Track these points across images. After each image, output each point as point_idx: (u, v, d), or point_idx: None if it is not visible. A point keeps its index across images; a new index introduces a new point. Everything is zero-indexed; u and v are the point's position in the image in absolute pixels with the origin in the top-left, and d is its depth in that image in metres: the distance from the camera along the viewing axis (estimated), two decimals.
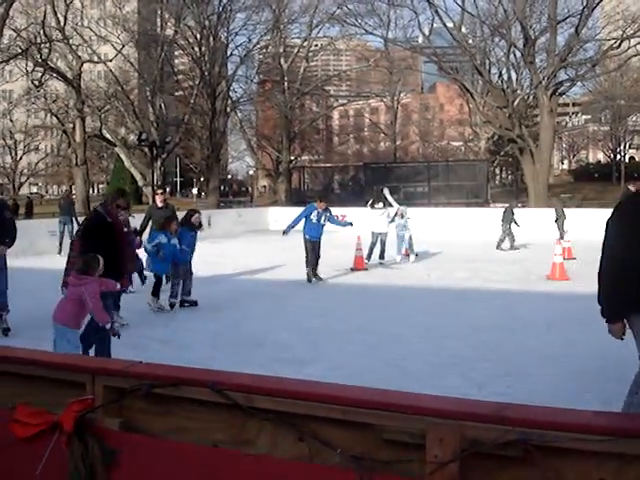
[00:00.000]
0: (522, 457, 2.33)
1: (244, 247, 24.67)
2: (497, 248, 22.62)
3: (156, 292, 12.24)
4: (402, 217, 19.13)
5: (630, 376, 7.81)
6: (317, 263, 15.73)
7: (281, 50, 52.16)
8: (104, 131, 49.39)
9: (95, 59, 48.13)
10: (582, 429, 2.28)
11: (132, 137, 52.01)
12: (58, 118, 49.84)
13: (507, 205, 24.59)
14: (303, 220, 15.74)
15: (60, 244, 22.36)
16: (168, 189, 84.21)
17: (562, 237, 21.60)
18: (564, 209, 24.07)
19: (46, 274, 17.88)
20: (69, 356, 3.46)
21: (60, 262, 20.36)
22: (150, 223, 14.35)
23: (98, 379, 3.05)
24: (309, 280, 15.50)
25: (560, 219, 23.25)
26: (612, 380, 7.76)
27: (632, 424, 2.34)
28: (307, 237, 15.59)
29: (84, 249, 8.14)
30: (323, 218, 15.65)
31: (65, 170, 70.88)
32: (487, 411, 2.47)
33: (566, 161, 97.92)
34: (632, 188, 22.71)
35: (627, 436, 2.22)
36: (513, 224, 22.94)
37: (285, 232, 15.80)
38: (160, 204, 14.75)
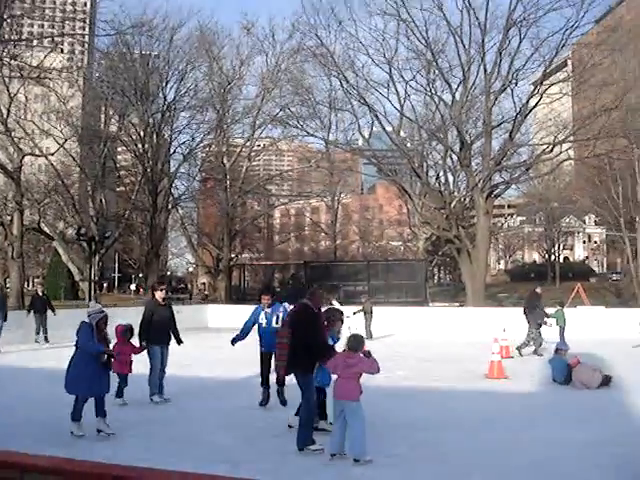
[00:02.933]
0: None
1: (183, 345, 24.23)
2: (517, 349, 20.26)
3: None
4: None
5: (567, 473, 7.84)
6: (281, 383, 11.73)
7: (224, 149, 52.80)
8: (42, 224, 48.82)
9: (37, 152, 48.03)
10: None
11: (71, 231, 51.54)
12: None
13: (531, 295, 22.21)
14: (255, 327, 12.36)
15: None
16: (105, 284, 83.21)
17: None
18: None
19: None
20: None
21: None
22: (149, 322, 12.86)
23: (27, 477, 2.94)
24: (261, 403, 12.15)
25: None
26: (551, 477, 7.76)
27: None
28: (261, 348, 12.18)
29: (298, 335, 9.17)
30: (275, 319, 12.10)
31: (0, 263, 69.51)
32: None
33: (502, 261, 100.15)
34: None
35: None
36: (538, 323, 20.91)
37: (233, 342, 12.45)
38: (161, 301, 13.16)
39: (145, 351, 12.55)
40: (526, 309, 21.85)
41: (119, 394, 12.21)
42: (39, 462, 3.10)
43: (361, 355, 8.59)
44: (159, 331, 12.71)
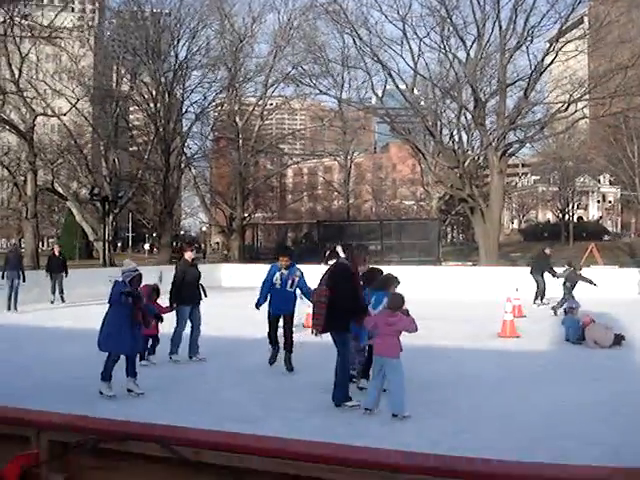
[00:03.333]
0: None
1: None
2: (552, 309, 20.11)
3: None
4: None
5: (584, 432, 7.90)
6: (289, 349, 11.76)
7: (236, 108, 52.53)
8: (56, 185, 48.93)
9: (49, 112, 47.92)
10: None
11: (84, 191, 51.58)
12: (9, 170, 49.32)
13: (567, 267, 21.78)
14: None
15: (9, 299, 22.01)
16: (119, 244, 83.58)
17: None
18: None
19: None
20: (13, 410, 3.37)
21: (11, 318, 20.20)
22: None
23: (43, 433, 2.98)
24: (270, 361, 12.07)
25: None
26: (564, 435, 7.82)
27: (581, 475, 2.35)
28: (269, 309, 11.88)
29: (337, 294, 9.24)
30: (290, 283, 11.78)
31: (15, 223, 69.84)
32: (437, 464, 2.46)
33: (516, 220, 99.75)
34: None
35: None
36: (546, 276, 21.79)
37: (257, 306, 12.11)
38: (191, 261, 13.46)
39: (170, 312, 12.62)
40: (533, 269, 22.05)
41: (146, 355, 12.31)
42: (55, 419, 3.14)
43: (401, 314, 8.83)
44: (190, 291, 12.88)
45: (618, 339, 14.26)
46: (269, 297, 11.85)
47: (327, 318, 9.21)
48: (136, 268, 10.31)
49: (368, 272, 10.49)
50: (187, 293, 12.80)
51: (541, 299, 22.19)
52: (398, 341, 8.73)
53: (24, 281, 22.37)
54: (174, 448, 2.69)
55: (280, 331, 11.84)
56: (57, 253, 25.09)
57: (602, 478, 2.30)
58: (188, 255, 13.49)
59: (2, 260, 23.43)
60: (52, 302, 23.74)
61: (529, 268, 23.13)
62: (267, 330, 11.97)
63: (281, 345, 11.86)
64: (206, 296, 13.25)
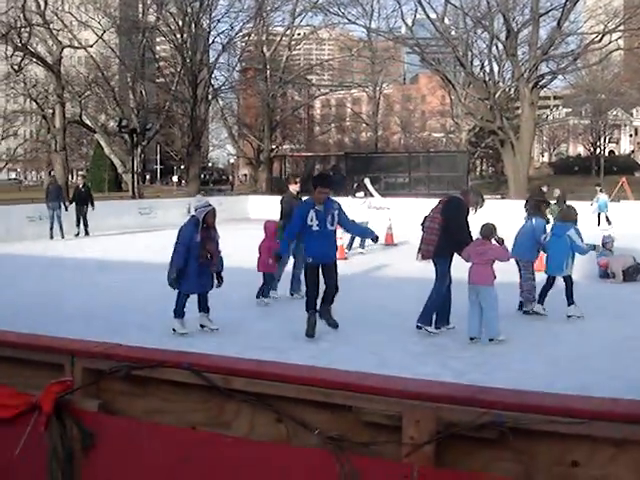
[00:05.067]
0: (497, 439, 2.36)
1: (224, 235, 24.46)
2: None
3: None
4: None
5: (604, 366, 7.94)
6: (330, 300, 9.45)
7: (263, 38, 51.90)
8: (84, 117, 48.93)
9: (75, 44, 47.60)
10: (555, 412, 2.32)
11: (112, 124, 51.52)
12: (37, 103, 49.32)
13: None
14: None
15: (51, 229, 22.93)
16: (148, 176, 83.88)
17: None
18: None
19: (26, 259, 17.88)
20: (48, 338, 3.46)
21: (52, 247, 20.63)
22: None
23: (77, 361, 3.06)
24: (308, 333, 9.37)
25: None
26: (587, 369, 7.87)
27: (602, 407, 2.38)
28: (309, 259, 9.40)
29: (449, 225, 9.35)
30: (330, 219, 9.40)
31: (44, 156, 70.05)
32: (463, 394, 2.50)
33: (546, 154, 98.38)
34: (544, 189, 23.17)
35: (599, 419, 2.26)
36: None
37: (279, 255, 10.44)
38: (296, 194, 12.78)
39: None
40: (526, 204, 22.20)
41: (265, 293, 11.91)
42: (89, 347, 3.22)
43: (493, 242, 9.17)
44: None
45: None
46: (304, 243, 9.64)
47: (437, 246, 9.39)
48: (209, 203, 9.95)
49: (535, 203, 11.35)
50: None
51: None
52: (491, 270, 8.98)
53: (66, 210, 23.32)
54: (205, 375, 2.75)
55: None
56: (81, 185, 25.22)
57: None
58: (293, 188, 12.94)
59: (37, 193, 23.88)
60: (77, 235, 23.87)
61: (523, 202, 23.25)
62: (305, 288, 9.65)
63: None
64: None
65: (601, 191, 27.19)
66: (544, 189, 23.49)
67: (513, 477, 2.36)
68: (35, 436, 2.91)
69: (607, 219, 24.56)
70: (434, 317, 9.54)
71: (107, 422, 2.92)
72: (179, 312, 9.61)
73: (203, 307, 9.78)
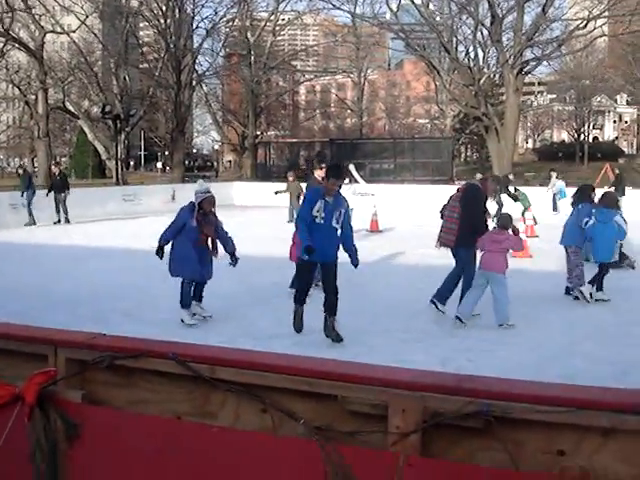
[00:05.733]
0: (483, 428, 2.36)
1: None
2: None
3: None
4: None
5: (593, 352, 7.99)
6: (332, 310, 8.41)
7: (248, 23, 51.64)
8: (67, 103, 48.61)
9: (58, 30, 47.20)
10: (541, 401, 2.32)
11: (96, 110, 51.25)
12: (20, 89, 48.96)
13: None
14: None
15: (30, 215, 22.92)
16: (132, 163, 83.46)
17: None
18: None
19: (9, 246, 17.76)
20: (31, 328, 3.43)
21: (36, 234, 20.62)
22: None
23: (60, 351, 3.03)
24: (295, 327, 8.71)
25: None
26: (574, 355, 7.91)
27: (589, 395, 2.38)
28: (303, 255, 8.22)
29: (467, 213, 9.56)
30: (337, 216, 8.36)
31: (27, 142, 69.55)
32: (449, 383, 2.50)
33: (531, 140, 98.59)
34: (510, 177, 24.04)
35: (585, 407, 2.26)
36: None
37: (308, 252, 8.04)
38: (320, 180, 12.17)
39: None
40: (575, 193, 22.40)
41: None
42: (73, 337, 3.19)
43: (510, 232, 9.42)
44: None
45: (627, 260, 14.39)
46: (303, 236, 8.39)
47: (458, 236, 9.58)
48: (208, 189, 9.84)
49: (580, 189, 11.64)
50: None
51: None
52: (505, 258, 9.28)
53: (33, 194, 23.08)
54: (190, 365, 2.74)
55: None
56: (57, 173, 24.67)
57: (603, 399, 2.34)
58: (318, 174, 12.37)
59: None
60: (57, 222, 23.52)
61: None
62: (296, 283, 9.22)
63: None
64: None
65: (557, 177, 28.08)
66: (510, 177, 24.75)
67: (499, 466, 2.36)
68: (19, 427, 2.89)
69: (555, 206, 25.06)
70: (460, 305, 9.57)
71: (91, 413, 2.90)
72: (186, 302, 9.50)
73: (197, 295, 9.70)
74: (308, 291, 8.80)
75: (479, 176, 10.78)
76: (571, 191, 21.91)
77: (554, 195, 24.87)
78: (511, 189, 22.03)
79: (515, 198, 21.79)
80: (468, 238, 9.45)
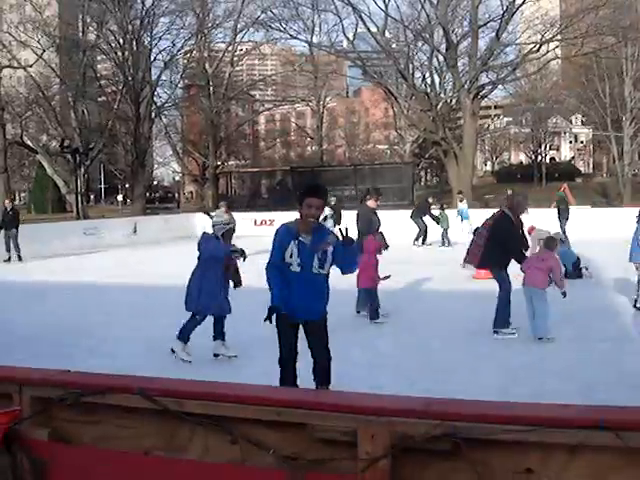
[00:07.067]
0: (451, 450, 2.38)
1: (170, 253, 24.35)
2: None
3: None
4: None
5: (557, 369, 8.07)
6: (326, 378, 6.10)
7: (206, 55, 51.81)
8: (25, 138, 48.26)
9: (15, 64, 46.96)
10: (508, 420, 2.35)
11: (54, 144, 50.92)
12: None
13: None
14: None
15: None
16: (92, 196, 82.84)
17: None
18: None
19: None
20: None
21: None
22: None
23: (25, 389, 3.00)
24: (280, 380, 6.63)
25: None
26: (540, 374, 7.97)
27: (554, 414, 2.42)
28: (277, 310, 6.12)
29: (495, 240, 10.03)
30: (320, 257, 6.16)
31: None
32: (416, 406, 2.52)
33: (489, 163, 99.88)
34: (430, 200, 27.53)
35: (550, 425, 2.30)
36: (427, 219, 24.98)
37: (270, 315, 6.11)
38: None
39: None
40: (413, 214, 25.41)
41: (373, 315, 11.15)
42: (37, 375, 3.16)
43: (554, 254, 10.09)
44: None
45: (580, 270, 15.58)
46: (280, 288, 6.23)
47: (485, 255, 10.22)
48: (229, 221, 9.50)
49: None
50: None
51: (423, 240, 24.88)
52: (546, 276, 9.65)
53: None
54: (157, 399, 2.72)
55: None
56: (8, 208, 23.41)
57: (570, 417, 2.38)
58: (371, 203, 12.56)
59: None
60: (7, 260, 22.51)
61: (410, 212, 25.98)
62: (279, 351, 6.31)
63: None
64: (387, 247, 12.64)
65: (461, 200, 29.61)
66: (429, 200, 27.46)
67: None
68: None
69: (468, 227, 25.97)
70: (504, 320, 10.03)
71: (58, 450, 2.87)
72: (187, 336, 8.83)
73: (218, 333, 8.99)
74: (294, 358, 6.28)
75: (510, 192, 11.45)
76: (476, 213, 23.76)
77: (444, 230, 25.28)
78: (435, 212, 24.94)
79: (437, 220, 24.67)
80: (499, 259, 9.97)
